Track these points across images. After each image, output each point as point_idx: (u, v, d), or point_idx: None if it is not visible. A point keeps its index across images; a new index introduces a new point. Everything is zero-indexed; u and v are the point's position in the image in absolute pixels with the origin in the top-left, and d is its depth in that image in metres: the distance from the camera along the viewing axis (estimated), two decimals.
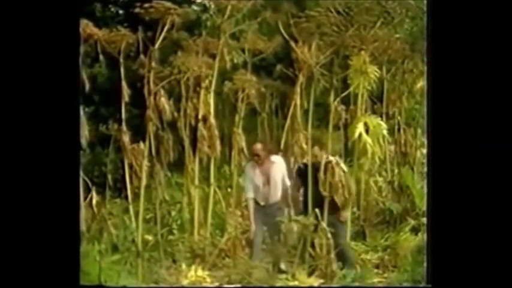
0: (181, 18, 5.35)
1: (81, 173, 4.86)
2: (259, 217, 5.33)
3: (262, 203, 5.41)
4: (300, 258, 4.67)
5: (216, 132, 5.63)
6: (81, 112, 4.86)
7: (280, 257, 4.72)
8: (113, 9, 7.73)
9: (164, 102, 5.51)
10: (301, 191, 5.37)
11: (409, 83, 7.54)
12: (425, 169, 4.61)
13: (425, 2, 3.28)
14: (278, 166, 5.43)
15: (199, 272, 4.22)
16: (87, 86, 5.10)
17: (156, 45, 5.16)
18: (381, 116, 6.65)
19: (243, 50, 6.76)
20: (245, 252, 5.30)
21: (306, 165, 5.22)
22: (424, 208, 5.66)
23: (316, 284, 3.21)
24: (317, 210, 4.90)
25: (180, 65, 5.60)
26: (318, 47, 5.52)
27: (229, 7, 5.75)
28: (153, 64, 5.26)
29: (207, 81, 5.74)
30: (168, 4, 4.95)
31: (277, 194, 5.40)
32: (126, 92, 5.39)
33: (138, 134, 5.54)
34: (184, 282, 3.60)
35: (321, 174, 4.66)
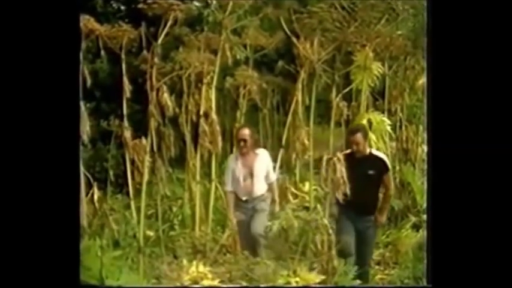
0: (184, 13, 5.34)
1: (83, 169, 4.89)
2: (241, 212, 5.10)
3: (244, 198, 5.16)
4: (301, 254, 4.67)
5: (218, 128, 5.63)
6: (83, 108, 4.88)
7: (281, 253, 4.72)
8: (114, 4, 7.71)
9: (166, 98, 5.51)
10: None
11: (410, 80, 7.54)
12: (425, 166, 4.62)
13: None
14: (262, 159, 5.21)
15: (201, 268, 4.22)
16: (89, 82, 5.10)
17: (159, 41, 5.15)
18: (383, 113, 6.65)
19: (244, 46, 6.76)
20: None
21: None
22: (425, 205, 5.67)
23: (317, 280, 3.21)
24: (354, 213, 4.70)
25: (181, 60, 5.60)
26: (319, 43, 5.51)
27: (230, 3, 5.75)
28: (155, 60, 5.26)
29: (208, 77, 5.73)
30: (171, 0, 4.94)
31: (260, 188, 5.17)
32: (127, 87, 5.39)
33: (140, 129, 5.54)
34: (185, 278, 3.60)
35: (323, 170, 4.66)
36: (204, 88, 5.73)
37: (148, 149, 5.29)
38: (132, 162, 5.39)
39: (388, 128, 5.96)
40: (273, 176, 5.32)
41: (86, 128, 4.94)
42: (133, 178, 5.42)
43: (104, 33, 5.15)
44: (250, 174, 5.12)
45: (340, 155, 4.51)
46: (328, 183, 4.66)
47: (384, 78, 6.78)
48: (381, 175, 4.74)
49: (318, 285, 3.94)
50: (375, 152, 4.96)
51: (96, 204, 5.26)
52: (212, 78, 5.74)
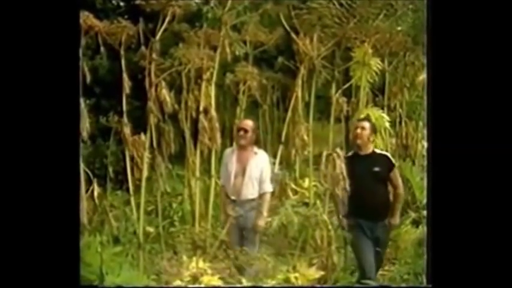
0: (182, 9, 5.34)
1: (83, 165, 4.89)
2: (232, 213, 4.71)
3: (232, 197, 4.76)
4: (300, 250, 4.68)
5: (217, 125, 5.62)
6: (82, 104, 4.88)
7: (281, 248, 4.73)
8: (113, 1, 7.70)
9: (165, 94, 5.50)
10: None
11: (410, 76, 7.54)
12: (426, 162, 4.61)
13: None
14: (260, 160, 4.80)
15: (201, 264, 4.22)
16: (88, 78, 5.11)
17: (157, 37, 5.15)
18: (382, 109, 6.65)
19: (244, 42, 6.75)
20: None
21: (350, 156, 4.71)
22: (425, 201, 5.67)
23: (317, 276, 3.22)
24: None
25: (181, 56, 5.58)
26: (319, 39, 5.51)
27: None
28: (154, 56, 5.25)
29: (208, 73, 5.72)
30: None
31: (251, 191, 4.73)
32: (127, 84, 5.38)
33: (139, 126, 5.54)
34: (185, 274, 3.60)
35: (322, 166, 4.66)
36: (203, 84, 5.72)
37: (147, 145, 5.29)
38: (132, 158, 5.39)
39: (388, 124, 5.95)
40: (268, 187, 4.84)
41: (85, 124, 4.94)
42: (133, 174, 5.42)
43: (103, 29, 5.15)
44: (243, 172, 4.74)
45: (340, 152, 4.51)
46: (328, 179, 4.67)
47: (383, 74, 6.78)
48: (387, 172, 4.58)
49: (318, 286, 3.95)
50: (377, 150, 4.79)
51: (96, 201, 5.27)
52: (212, 74, 5.73)
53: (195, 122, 5.83)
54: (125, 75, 5.35)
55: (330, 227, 4.68)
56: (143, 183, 5.17)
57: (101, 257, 3.81)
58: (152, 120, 5.30)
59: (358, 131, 4.58)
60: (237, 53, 6.73)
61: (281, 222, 5.58)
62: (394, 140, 7.12)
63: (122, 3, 7.67)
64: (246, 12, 6.43)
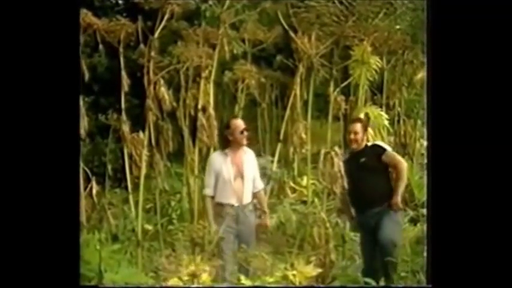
0: (181, 7, 5.34)
1: (81, 163, 4.90)
2: (231, 221, 4.33)
3: (236, 204, 4.41)
4: (298, 247, 4.69)
5: (215, 123, 5.63)
6: (81, 102, 4.88)
7: (279, 246, 4.74)
8: None
9: (164, 92, 5.50)
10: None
11: (409, 74, 7.56)
12: (425, 160, 4.60)
13: None
14: (251, 158, 4.61)
15: (199, 261, 4.22)
16: (87, 76, 5.11)
17: (156, 35, 5.15)
18: (381, 107, 6.66)
19: (243, 40, 6.76)
20: None
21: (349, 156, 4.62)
22: (423, 199, 5.69)
23: (314, 273, 3.23)
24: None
25: (179, 54, 5.59)
26: (317, 38, 5.50)
27: None
28: (153, 54, 5.26)
29: (206, 71, 5.72)
30: None
31: (249, 194, 4.51)
32: (125, 81, 5.39)
33: (138, 123, 5.55)
34: (184, 272, 3.61)
35: (321, 164, 4.66)
36: (202, 82, 5.73)
37: (146, 143, 5.29)
38: (131, 156, 5.39)
39: (386, 122, 5.97)
40: (260, 184, 4.66)
41: (84, 122, 4.95)
42: (131, 172, 5.43)
43: (102, 27, 5.15)
44: (241, 174, 4.47)
45: (338, 151, 4.52)
46: (326, 177, 4.68)
47: (382, 72, 6.79)
48: (376, 159, 4.46)
49: (317, 286, 3.96)
50: (369, 143, 4.72)
51: (95, 199, 5.27)
52: (210, 72, 5.73)
53: (193, 120, 5.83)
54: (123, 73, 5.35)
55: (327, 224, 4.69)
56: (142, 181, 5.17)
57: (99, 254, 3.81)
58: (151, 118, 5.30)
59: (352, 136, 4.55)
60: (235, 51, 6.74)
61: (279, 220, 5.61)
62: (392, 138, 7.13)
63: (120, 1, 7.68)
64: (244, 11, 6.44)
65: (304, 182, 6.58)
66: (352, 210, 4.67)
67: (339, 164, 4.48)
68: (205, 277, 3.30)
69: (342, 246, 5.17)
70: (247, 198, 4.47)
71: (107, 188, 6.06)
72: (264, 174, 6.06)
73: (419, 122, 7.32)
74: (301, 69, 6.06)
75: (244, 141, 4.55)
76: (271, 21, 6.68)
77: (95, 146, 6.97)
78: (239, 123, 4.57)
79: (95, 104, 6.97)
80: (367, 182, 4.46)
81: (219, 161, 4.50)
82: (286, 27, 5.68)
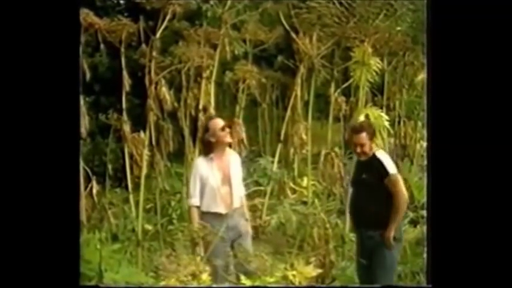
0: (182, 8, 5.35)
1: (82, 163, 4.90)
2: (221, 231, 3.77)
3: (223, 211, 4.09)
4: (298, 248, 4.70)
5: None
6: (82, 102, 4.89)
7: (279, 246, 4.74)
8: None
9: (165, 92, 5.52)
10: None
11: (409, 76, 7.56)
12: (425, 162, 4.60)
13: None
14: (237, 160, 4.29)
15: (198, 261, 4.23)
16: (88, 76, 5.13)
17: (157, 35, 5.16)
18: (381, 108, 6.66)
19: (244, 41, 6.77)
20: None
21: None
22: (423, 200, 5.68)
23: (314, 274, 3.23)
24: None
25: (181, 55, 5.60)
26: (318, 38, 5.52)
27: None
28: (154, 54, 5.27)
29: (207, 72, 5.74)
30: None
31: (239, 199, 4.20)
32: (126, 81, 5.40)
33: (139, 123, 5.56)
34: (184, 272, 3.61)
35: (321, 165, 4.67)
36: (203, 82, 5.74)
37: (147, 143, 5.30)
38: (131, 156, 5.41)
39: (386, 123, 5.96)
40: (242, 189, 4.33)
41: (84, 122, 4.96)
42: (132, 172, 5.44)
43: (103, 27, 5.16)
44: (228, 180, 4.15)
45: (339, 152, 4.52)
46: (326, 178, 4.69)
47: (382, 73, 6.79)
48: (379, 180, 4.06)
49: (317, 286, 3.96)
50: (378, 153, 4.21)
51: (95, 198, 5.28)
52: (211, 72, 5.75)
53: (194, 120, 5.84)
54: (124, 73, 5.36)
55: (327, 225, 4.70)
56: (142, 181, 5.18)
57: (100, 254, 3.83)
58: (152, 118, 5.32)
59: (358, 150, 4.13)
60: (236, 51, 6.75)
61: (279, 220, 5.61)
62: (392, 140, 7.13)
63: (122, 1, 7.68)
64: (245, 11, 6.44)
65: (305, 182, 6.58)
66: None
67: (339, 165, 4.49)
68: (205, 277, 3.30)
69: (342, 247, 5.18)
70: (236, 203, 4.15)
71: (108, 187, 6.07)
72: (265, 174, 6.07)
73: (419, 123, 7.33)
74: (302, 69, 6.06)
75: (228, 139, 4.20)
76: (272, 22, 6.68)
77: (95, 145, 6.98)
78: (217, 121, 4.21)
79: (96, 103, 6.97)
80: (365, 200, 4.15)
81: (204, 167, 4.15)
82: (288, 27, 5.68)
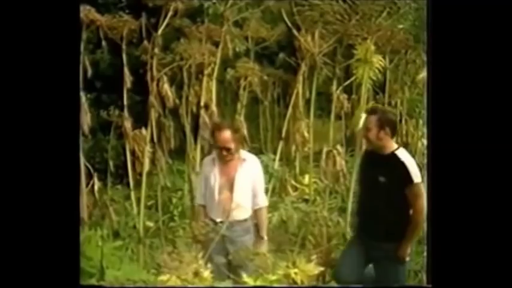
0: (184, 5, 5.34)
1: (83, 160, 4.90)
2: (217, 241, 3.39)
3: (217, 219, 3.75)
4: (300, 246, 4.70)
5: (218, 120, 5.63)
6: (83, 98, 4.89)
7: (281, 244, 4.74)
8: None
9: (166, 89, 5.52)
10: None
11: (411, 74, 7.54)
12: (425, 160, 4.60)
13: None
14: (250, 167, 3.85)
15: (200, 259, 4.24)
16: (89, 72, 5.12)
17: (159, 32, 5.15)
18: (383, 106, 6.65)
19: (246, 38, 6.75)
20: None
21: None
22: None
23: (316, 272, 3.22)
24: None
25: (182, 52, 5.59)
26: (320, 36, 5.51)
27: None
28: (156, 51, 5.26)
29: (209, 69, 5.73)
30: None
31: (242, 211, 3.76)
32: (128, 78, 5.40)
33: (140, 120, 5.55)
34: (186, 269, 3.61)
35: (323, 163, 4.66)
36: (204, 79, 5.73)
37: (148, 139, 5.30)
38: (133, 153, 5.41)
39: None
40: (263, 200, 3.90)
41: (86, 118, 4.96)
42: (133, 169, 5.44)
43: (105, 23, 5.15)
44: (230, 186, 3.80)
45: (340, 149, 4.51)
46: (328, 175, 4.68)
47: (384, 71, 6.78)
48: (400, 187, 3.52)
49: (319, 286, 3.96)
50: (400, 154, 3.64)
51: (97, 195, 5.29)
52: (213, 69, 5.74)
53: (195, 117, 5.84)
54: (126, 70, 5.36)
55: (329, 223, 4.70)
56: (144, 178, 5.18)
57: (101, 251, 3.82)
58: (153, 114, 5.32)
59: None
60: (238, 49, 6.73)
61: (281, 218, 5.61)
62: (394, 138, 7.11)
63: None
64: (247, 8, 6.43)
65: (306, 180, 6.58)
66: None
67: (341, 162, 4.48)
68: (207, 274, 3.30)
69: (344, 245, 5.18)
70: (238, 215, 3.75)
71: (109, 184, 6.06)
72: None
73: (421, 121, 7.32)
74: (304, 67, 6.06)
75: (227, 158, 3.81)
76: (274, 19, 6.67)
77: (96, 142, 6.96)
78: (220, 138, 3.78)
79: (97, 100, 6.95)
80: (380, 208, 3.64)
81: (207, 166, 3.92)
82: (290, 25, 5.68)
